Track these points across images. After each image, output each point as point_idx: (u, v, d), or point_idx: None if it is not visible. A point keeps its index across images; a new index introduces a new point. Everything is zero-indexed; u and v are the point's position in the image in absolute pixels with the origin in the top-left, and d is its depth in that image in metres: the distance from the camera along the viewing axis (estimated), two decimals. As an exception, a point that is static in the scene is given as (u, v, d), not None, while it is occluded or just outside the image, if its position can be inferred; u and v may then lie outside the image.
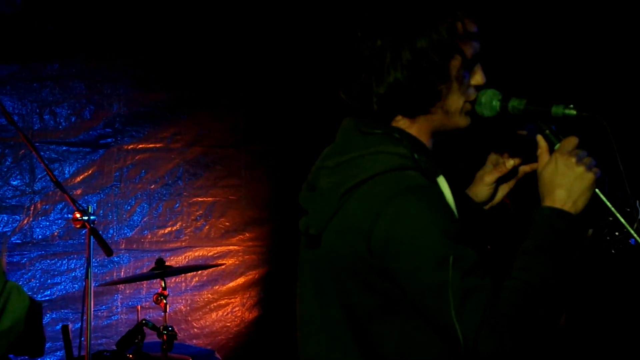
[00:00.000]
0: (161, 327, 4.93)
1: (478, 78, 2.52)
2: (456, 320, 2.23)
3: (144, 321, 4.86)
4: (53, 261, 6.10)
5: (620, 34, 6.12)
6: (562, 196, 2.41)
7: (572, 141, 2.46)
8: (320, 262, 2.48)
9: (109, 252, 4.36)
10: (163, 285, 5.07)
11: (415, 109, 2.46)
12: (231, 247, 6.75)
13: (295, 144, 6.85)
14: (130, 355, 4.82)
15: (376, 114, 2.48)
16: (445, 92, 2.45)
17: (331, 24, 6.60)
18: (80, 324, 5.87)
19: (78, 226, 4.42)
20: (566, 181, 2.41)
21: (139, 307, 5.16)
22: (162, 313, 5.26)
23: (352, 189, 2.38)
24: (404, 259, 2.28)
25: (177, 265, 6.15)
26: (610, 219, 3.58)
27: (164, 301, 5.03)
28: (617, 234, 3.55)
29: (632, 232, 2.40)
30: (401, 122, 2.50)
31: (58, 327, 5.81)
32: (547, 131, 2.50)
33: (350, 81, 2.50)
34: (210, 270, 6.58)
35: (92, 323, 5.95)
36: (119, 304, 6.31)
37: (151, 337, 5.07)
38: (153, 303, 5.93)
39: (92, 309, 4.43)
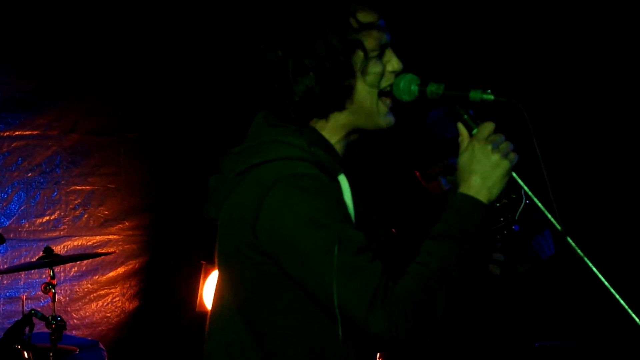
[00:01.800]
0: (50, 317, 4.81)
1: (394, 64, 2.54)
2: (340, 301, 2.24)
3: (32, 311, 4.74)
4: None
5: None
6: (477, 183, 2.44)
7: (488, 127, 2.49)
8: (219, 246, 2.50)
9: (0, 239, 4.24)
10: (52, 274, 4.96)
11: (328, 108, 2.48)
12: (111, 237, 6.64)
13: (174, 132, 6.79)
14: (18, 346, 4.68)
15: (295, 120, 2.48)
16: (353, 86, 2.47)
17: (212, 16, 6.59)
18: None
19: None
20: (482, 168, 2.44)
21: (24, 296, 5.03)
22: (42, 303, 5.11)
23: (242, 172, 2.41)
24: (288, 245, 2.31)
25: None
26: (497, 204, 3.65)
27: (53, 291, 4.91)
28: (501, 219, 3.63)
29: (550, 217, 2.45)
30: (319, 124, 2.51)
31: None
32: (465, 116, 2.53)
33: (264, 91, 2.50)
34: (90, 259, 6.45)
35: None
36: (-5, 294, 6.15)
37: (37, 327, 4.94)
38: (32, 293, 5.82)
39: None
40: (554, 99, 6.20)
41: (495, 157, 2.45)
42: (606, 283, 2.41)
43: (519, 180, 2.50)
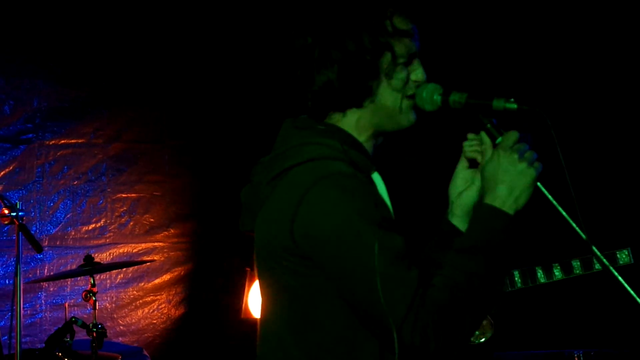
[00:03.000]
0: (90, 325, 4.85)
1: (418, 74, 2.54)
2: (386, 309, 2.23)
3: (73, 319, 4.77)
4: (-26, 259, 5.98)
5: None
6: (504, 193, 2.41)
7: (513, 135, 2.47)
8: (257, 254, 2.49)
9: (38, 248, 4.29)
10: (92, 282, 4.99)
11: (346, 103, 2.48)
12: (156, 244, 6.69)
13: (219, 139, 6.81)
14: (59, 354, 4.73)
15: (311, 110, 2.50)
16: (375, 88, 2.47)
17: (252, 23, 6.61)
18: (3, 322, 5.80)
19: (6, 222, 4.34)
20: (508, 177, 2.42)
21: (67, 304, 5.08)
22: (88, 310, 5.15)
23: (275, 178, 2.41)
24: (328, 247, 2.30)
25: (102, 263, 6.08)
26: None
27: (93, 298, 4.95)
28: None
29: (575, 226, 2.41)
30: (335, 118, 2.51)
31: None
32: (489, 125, 2.51)
33: (286, 79, 2.52)
34: (135, 267, 6.50)
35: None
36: (42, 301, 6.20)
37: (80, 334, 4.99)
38: (78, 300, 5.87)
39: (22, 307, 4.34)
40: (576, 107, 6.15)
41: (522, 165, 2.42)
42: (631, 291, 2.37)
43: (544, 190, 2.46)
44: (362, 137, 2.52)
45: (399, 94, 2.50)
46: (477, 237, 2.38)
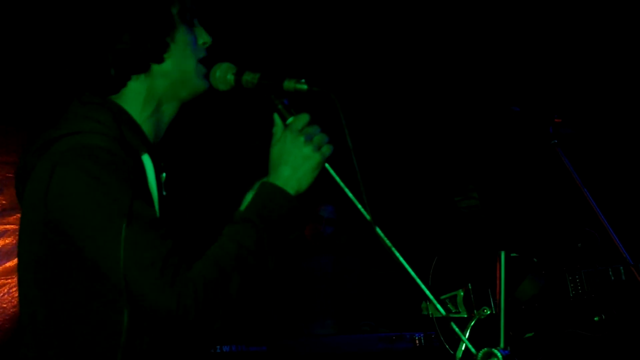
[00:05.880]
0: None
1: (204, 37, 2.59)
2: (126, 275, 2.25)
3: None
4: None
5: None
6: (286, 174, 2.47)
7: (303, 119, 2.51)
8: (20, 225, 2.52)
9: None
10: None
11: (145, 63, 2.50)
12: (8, 226, 6.57)
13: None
14: None
15: (109, 83, 2.51)
16: (167, 48, 2.51)
17: None
18: None
19: None
20: (292, 159, 2.47)
21: None
22: None
23: (41, 147, 2.41)
24: (76, 216, 2.31)
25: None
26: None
27: None
28: None
29: (360, 207, 2.44)
30: (132, 86, 2.52)
31: None
32: (280, 106, 2.53)
33: (80, 55, 2.55)
34: (-15, 249, 6.39)
35: None
36: None
37: None
38: None
39: None
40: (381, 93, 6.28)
41: (307, 149, 2.48)
42: (412, 273, 2.41)
43: (332, 172, 2.50)
44: (145, 112, 2.54)
45: (192, 55, 2.54)
46: (254, 211, 2.43)
